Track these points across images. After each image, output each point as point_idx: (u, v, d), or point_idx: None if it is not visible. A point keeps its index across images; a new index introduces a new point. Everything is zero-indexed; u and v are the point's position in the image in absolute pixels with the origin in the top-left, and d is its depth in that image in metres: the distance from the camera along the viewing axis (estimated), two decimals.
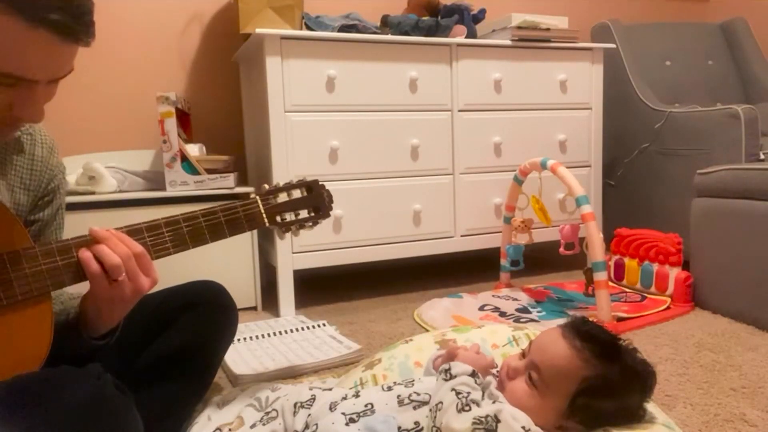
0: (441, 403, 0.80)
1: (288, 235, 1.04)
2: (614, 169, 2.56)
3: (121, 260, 0.79)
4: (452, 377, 0.83)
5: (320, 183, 1.07)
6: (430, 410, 0.82)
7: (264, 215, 0.98)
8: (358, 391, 0.91)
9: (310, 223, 1.05)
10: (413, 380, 0.93)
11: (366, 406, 0.86)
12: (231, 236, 0.93)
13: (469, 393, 0.80)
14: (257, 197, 0.99)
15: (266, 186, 1.02)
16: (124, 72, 2.13)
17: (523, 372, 0.88)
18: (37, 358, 0.77)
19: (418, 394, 0.86)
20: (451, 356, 0.92)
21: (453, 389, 0.81)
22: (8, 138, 0.80)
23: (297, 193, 1.04)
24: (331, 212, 1.08)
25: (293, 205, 1.03)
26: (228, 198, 1.83)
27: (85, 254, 0.78)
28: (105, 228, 0.82)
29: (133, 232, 0.84)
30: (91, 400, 0.66)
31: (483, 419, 0.77)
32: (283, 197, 1.02)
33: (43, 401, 0.64)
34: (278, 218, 1.01)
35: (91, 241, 0.80)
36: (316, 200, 1.05)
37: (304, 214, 1.04)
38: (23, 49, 0.65)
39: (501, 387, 0.89)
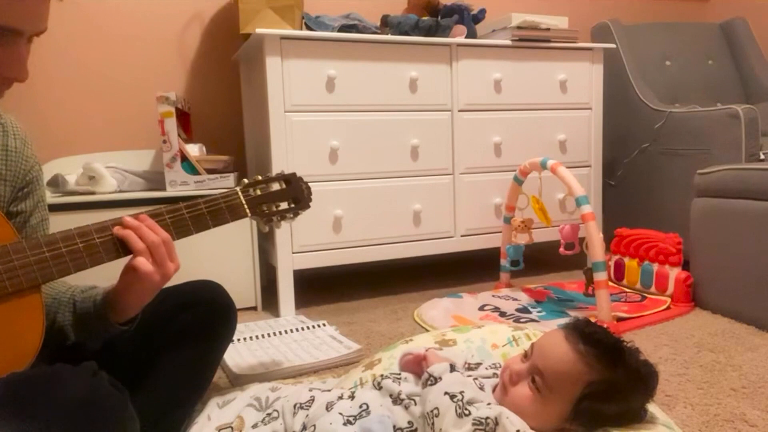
0: (437, 408, 0.80)
1: (270, 226, 1.07)
2: (614, 169, 2.56)
3: (155, 243, 0.84)
4: (438, 380, 0.83)
5: (298, 176, 1.10)
6: (425, 416, 0.82)
7: (245, 206, 1.00)
8: (354, 392, 0.91)
9: (291, 215, 1.08)
10: (400, 375, 0.93)
11: (361, 407, 0.86)
12: (214, 227, 0.96)
13: (462, 393, 0.80)
14: (238, 189, 1.01)
15: (245, 180, 1.04)
16: (124, 72, 2.13)
17: (526, 376, 0.87)
18: (29, 350, 0.78)
19: (408, 396, 0.87)
20: (418, 361, 0.93)
21: (446, 393, 0.80)
22: None
23: (276, 186, 1.06)
24: (310, 203, 1.11)
25: (273, 197, 1.05)
26: None
27: (124, 232, 0.84)
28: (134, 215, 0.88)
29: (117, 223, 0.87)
30: (87, 397, 0.66)
31: (483, 421, 0.77)
32: (263, 190, 1.05)
33: (38, 398, 0.64)
34: (259, 209, 1.03)
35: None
36: (295, 192, 1.08)
37: (284, 205, 1.07)
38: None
39: (503, 391, 0.89)
